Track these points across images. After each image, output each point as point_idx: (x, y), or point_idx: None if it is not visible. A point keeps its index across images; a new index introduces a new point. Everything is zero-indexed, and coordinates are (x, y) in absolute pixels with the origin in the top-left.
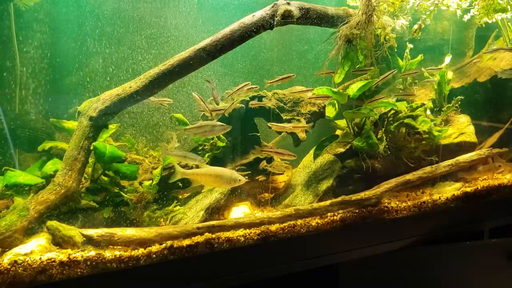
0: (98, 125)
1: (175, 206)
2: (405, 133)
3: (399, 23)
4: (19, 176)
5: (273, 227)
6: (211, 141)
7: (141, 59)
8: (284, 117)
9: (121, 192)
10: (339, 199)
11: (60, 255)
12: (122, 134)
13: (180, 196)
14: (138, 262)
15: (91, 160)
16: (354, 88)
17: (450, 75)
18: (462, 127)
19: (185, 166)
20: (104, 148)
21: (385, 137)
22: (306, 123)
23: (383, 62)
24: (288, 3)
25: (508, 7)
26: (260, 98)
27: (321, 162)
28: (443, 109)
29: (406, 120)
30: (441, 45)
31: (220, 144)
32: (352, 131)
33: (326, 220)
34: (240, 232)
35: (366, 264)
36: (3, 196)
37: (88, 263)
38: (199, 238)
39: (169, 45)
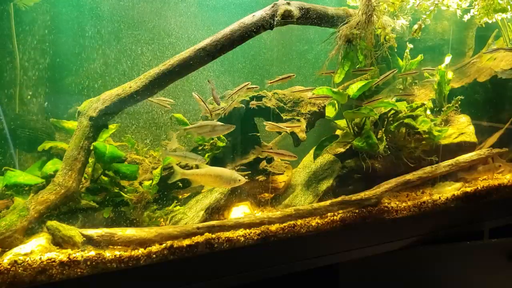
0: (98, 125)
1: (175, 206)
2: (405, 133)
3: (399, 23)
4: (19, 176)
5: (273, 227)
6: (211, 141)
7: (141, 59)
8: (284, 117)
9: (121, 192)
10: (339, 199)
11: (60, 255)
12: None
13: (180, 196)
14: (138, 262)
15: (91, 160)
16: (354, 88)
17: (450, 75)
18: (462, 127)
19: (185, 166)
20: (104, 148)
21: (385, 137)
22: (306, 123)
23: (383, 62)
24: (288, 3)
25: (508, 7)
26: (260, 98)
27: (321, 162)
28: (443, 109)
29: (406, 120)
30: (441, 45)
31: (220, 144)
32: (352, 131)
33: (326, 220)
34: (240, 232)
35: (366, 264)
36: (3, 196)
37: (88, 263)
38: (199, 238)
39: (170, 45)
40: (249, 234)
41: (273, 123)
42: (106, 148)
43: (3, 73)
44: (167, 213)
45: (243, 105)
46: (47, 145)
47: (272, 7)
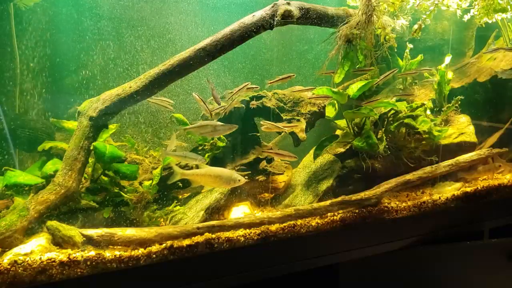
0: (98, 125)
1: (175, 206)
2: (405, 133)
3: (399, 23)
4: (19, 176)
5: (273, 227)
6: (211, 141)
7: (141, 59)
8: (284, 117)
9: (121, 192)
10: (339, 199)
11: (60, 255)
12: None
13: (180, 196)
14: (138, 262)
15: (91, 160)
16: (354, 88)
17: (450, 75)
18: (462, 127)
19: (185, 166)
20: (104, 148)
21: (385, 137)
22: (306, 123)
23: (383, 62)
24: (288, 3)
25: (508, 7)
26: (260, 98)
27: (321, 162)
28: (443, 109)
29: (406, 120)
30: (441, 45)
31: (220, 144)
32: (352, 131)
33: (326, 220)
34: (240, 232)
35: (366, 264)
36: (3, 196)
37: (88, 263)
38: (199, 238)
39: (171, 45)
40: (249, 234)
41: (270, 122)
42: (106, 148)
43: (3, 73)
44: (167, 213)
45: (243, 105)
46: (47, 145)
47: (272, 7)
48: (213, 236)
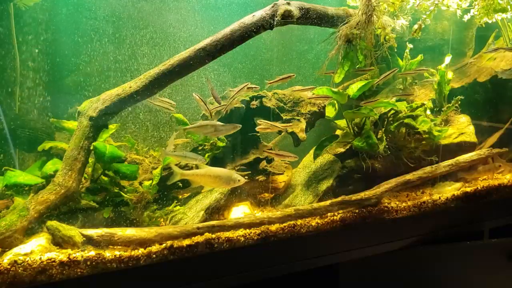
0: (98, 125)
1: (175, 206)
2: (405, 133)
3: (399, 23)
4: (19, 176)
5: (273, 227)
6: (211, 141)
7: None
8: (284, 117)
9: (121, 192)
10: (339, 199)
11: (60, 255)
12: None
13: (180, 196)
14: (138, 262)
15: (91, 160)
16: (354, 88)
17: (450, 75)
18: (462, 127)
19: (185, 166)
20: (104, 148)
21: (385, 137)
22: (306, 123)
23: (383, 62)
24: (288, 3)
25: (508, 7)
26: (260, 98)
27: (321, 162)
28: (443, 109)
29: (406, 120)
30: (441, 45)
31: (220, 144)
32: (352, 131)
33: (326, 220)
34: (240, 232)
35: (366, 264)
36: (3, 196)
37: (88, 263)
38: (199, 238)
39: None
40: (249, 234)
41: (266, 121)
42: (106, 148)
43: (3, 73)
44: (167, 213)
45: (243, 105)
46: (47, 145)
47: (272, 7)
48: (213, 236)
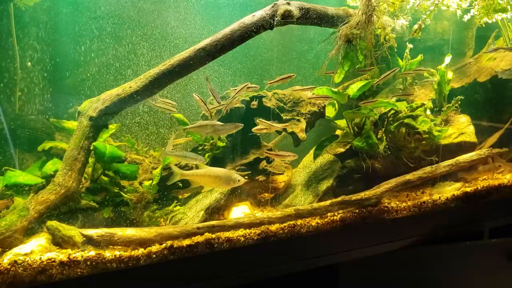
0: (98, 125)
1: (175, 206)
2: (405, 133)
3: (399, 23)
4: (19, 176)
5: (273, 227)
6: (211, 141)
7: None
8: (284, 117)
9: (121, 192)
10: (339, 199)
11: (60, 255)
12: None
13: (180, 196)
14: (138, 262)
15: (91, 160)
16: (354, 88)
17: (450, 75)
18: (462, 127)
19: (185, 166)
20: (104, 148)
21: (385, 137)
22: (306, 123)
23: (383, 62)
24: (288, 3)
25: (508, 7)
26: (260, 98)
27: (321, 162)
28: (443, 109)
29: (406, 120)
30: (441, 45)
31: (220, 144)
32: (352, 131)
33: (326, 220)
34: (240, 232)
35: (366, 264)
36: (3, 196)
37: (88, 263)
38: (199, 238)
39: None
40: (249, 234)
41: (266, 121)
42: (106, 148)
43: (3, 73)
44: (167, 213)
45: (243, 105)
46: (47, 145)
47: (272, 7)
48: (213, 236)
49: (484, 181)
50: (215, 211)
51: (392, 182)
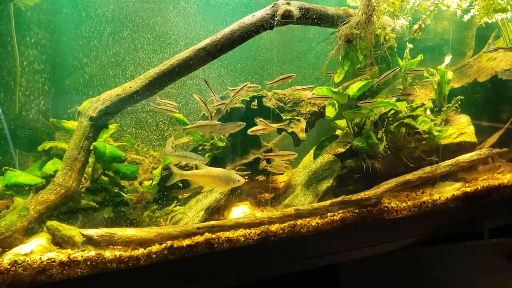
0: (98, 125)
1: (175, 206)
2: (405, 133)
3: (399, 23)
4: (19, 176)
5: (273, 227)
6: (211, 141)
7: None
8: (284, 117)
9: (121, 192)
10: (339, 199)
11: (60, 255)
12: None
13: (180, 196)
14: (138, 262)
15: (91, 160)
16: (354, 88)
17: (450, 75)
18: (462, 127)
19: (186, 166)
20: (104, 148)
21: (385, 137)
22: (306, 123)
23: (383, 62)
24: (288, 3)
25: (508, 7)
26: (260, 98)
27: (321, 162)
28: (443, 109)
29: (406, 120)
30: (441, 45)
31: (220, 144)
32: (352, 131)
33: (326, 220)
34: (240, 232)
35: (366, 264)
36: (3, 196)
37: (88, 263)
38: (199, 238)
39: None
40: (249, 234)
41: (264, 121)
42: (106, 148)
43: (3, 73)
44: (167, 213)
45: (243, 105)
46: (47, 145)
47: (272, 7)
48: (213, 236)
49: (484, 181)
50: (215, 211)
51: (392, 182)
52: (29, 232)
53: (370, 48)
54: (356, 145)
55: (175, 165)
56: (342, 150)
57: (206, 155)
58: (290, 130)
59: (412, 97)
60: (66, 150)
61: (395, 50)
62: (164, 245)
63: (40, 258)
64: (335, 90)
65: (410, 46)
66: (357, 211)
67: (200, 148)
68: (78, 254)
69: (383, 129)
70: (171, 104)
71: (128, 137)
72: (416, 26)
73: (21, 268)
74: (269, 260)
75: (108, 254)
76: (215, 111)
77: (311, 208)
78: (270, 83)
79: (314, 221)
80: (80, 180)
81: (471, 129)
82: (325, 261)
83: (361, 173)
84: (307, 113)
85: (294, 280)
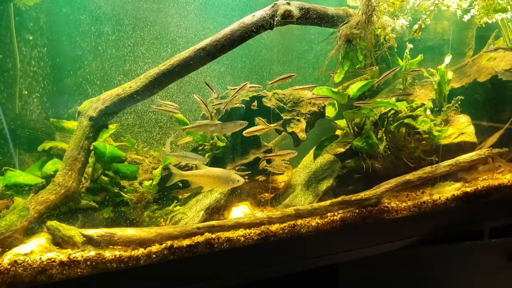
0: (98, 125)
1: (175, 206)
2: (405, 133)
3: (399, 23)
4: (19, 176)
5: (273, 227)
6: (211, 141)
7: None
8: (284, 117)
9: (121, 192)
10: (339, 199)
11: (60, 255)
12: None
13: (180, 196)
14: (138, 262)
15: (91, 160)
16: (354, 88)
17: (450, 75)
18: (462, 127)
19: (185, 166)
20: (104, 148)
21: (385, 137)
22: (306, 123)
23: (383, 62)
24: (288, 3)
25: (508, 7)
26: (260, 98)
27: (321, 162)
28: (443, 109)
29: (406, 120)
30: (441, 45)
31: (220, 144)
32: (352, 131)
33: (326, 220)
34: (240, 232)
35: (366, 264)
36: (3, 196)
37: (88, 263)
38: (199, 238)
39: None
40: (249, 234)
41: (264, 120)
42: (106, 148)
43: (3, 73)
44: (167, 213)
45: (243, 105)
46: (47, 145)
47: (272, 7)
48: (213, 236)
49: (484, 181)
50: (215, 211)
51: (392, 182)
52: (29, 232)
53: (370, 48)
54: (356, 145)
55: (175, 165)
56: (342, 150)
57: (206, 155)
58: (290, 130)
59: (412, 97)
60: (66, 150)
61: (395, 50)
62: (164, 245)
63: (40, 258)
64: (335, 90)
65: (410, 46)
66: (357, 211)
67: (200, 148)
68: (78, 254)
69: (383, 129)
70: (172, 105)
71: (128, 137)
72: (416, 26)
73: (21, 268)
74: (269, 260)
75: (108, 254)
76: (215, 111)
77: (311, 208)
78: (271, 83)
79: (314, 221)
80: (80, 180)
81: (471, 129)
82: (325, 261)
83: (361, 173)
84: (307, 113)
85: (294, 280)
